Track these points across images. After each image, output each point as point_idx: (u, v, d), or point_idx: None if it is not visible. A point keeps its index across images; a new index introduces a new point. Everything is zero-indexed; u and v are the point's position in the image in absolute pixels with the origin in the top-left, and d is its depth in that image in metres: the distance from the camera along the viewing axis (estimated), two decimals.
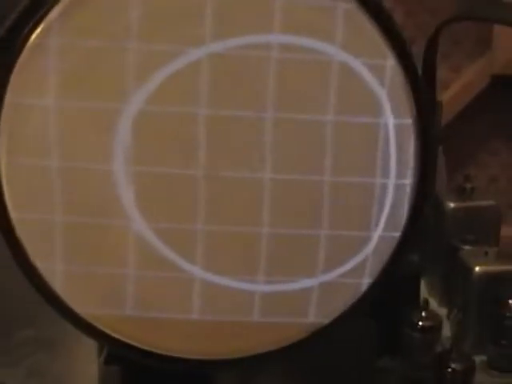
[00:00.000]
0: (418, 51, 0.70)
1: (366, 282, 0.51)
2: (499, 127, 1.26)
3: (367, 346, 0.63)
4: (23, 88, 0.46)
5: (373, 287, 0.51)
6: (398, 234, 0.50)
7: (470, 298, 0.68)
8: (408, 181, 0.49)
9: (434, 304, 0.75)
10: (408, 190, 0.50)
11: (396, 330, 0.67)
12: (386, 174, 0.49)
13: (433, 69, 0.70)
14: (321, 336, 0.52)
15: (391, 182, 0.49)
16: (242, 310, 0.50)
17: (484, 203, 0.76)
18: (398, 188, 0.49)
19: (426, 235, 0.77)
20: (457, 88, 1.21)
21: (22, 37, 0.45)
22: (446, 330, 0.70)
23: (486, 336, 0.68)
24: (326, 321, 0.51)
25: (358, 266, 0.50)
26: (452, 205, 0.75)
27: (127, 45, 0.46)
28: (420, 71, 0.71)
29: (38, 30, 0.45)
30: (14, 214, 0.48)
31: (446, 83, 1.21)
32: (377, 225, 0.50)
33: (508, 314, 0.66)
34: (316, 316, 0.51)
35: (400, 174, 0.49)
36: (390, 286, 0.64)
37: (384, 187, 0.49)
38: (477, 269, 0.68)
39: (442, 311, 0.73)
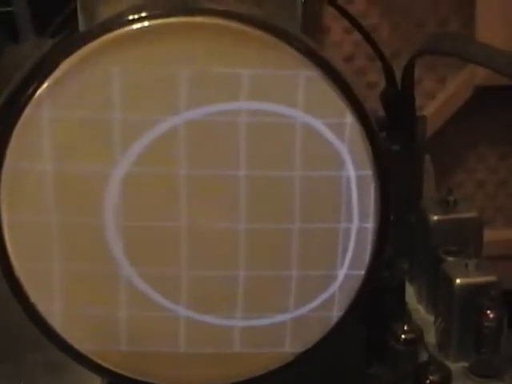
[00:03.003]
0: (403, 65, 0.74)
1: (335, 314, 0.55)
2: (485, 134, 1.27)
3: (358, 351, 0.68)
4: (20, 154, 0.50)
5: (342, 319, 0.55)
6: (362, 272, 0.54)
7: (452, 307, 0.71)
8: (369, 225, 0.53)
9: (422, 311, 0.79)
10: (370, 232, 0.54)
11: (383, 339, 0.70)
12: (349, 219, 0.53)
13: (411, 98, 0.74)
14: (298, 362, 0.56)
15: (354, 226, 0.53)
16: (223, 343, 0.55)
17: (466, 215, 0.78)
18: (361, 231, 0.53)
19: (413, 246, 0.80)
20: (442, 98, 1.22)
21: (17, 109, 0.50)
22: (432, 337, 0.73)
23: (468, 344, 0.70)
24: (302, 349, 0.56)
25: (327, 302, 0.54)
26: (435, 217, 0.77)
27: (111, 115, 0.50)
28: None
29: (31, 103, 0.50)
30: (16, 264, 0.52)
31: (432, 94, 1.23)
32: (342, 264, 0.54)
33: (486, 324, 0.68)
34: (291, 346, 0.55)
35: (362, 219, 0.53)
36: (377, 296, 0.68)
37: (347, 231, 0.53)
38: (458, 281, 0.70)
39: (430, 318, 0.76)
